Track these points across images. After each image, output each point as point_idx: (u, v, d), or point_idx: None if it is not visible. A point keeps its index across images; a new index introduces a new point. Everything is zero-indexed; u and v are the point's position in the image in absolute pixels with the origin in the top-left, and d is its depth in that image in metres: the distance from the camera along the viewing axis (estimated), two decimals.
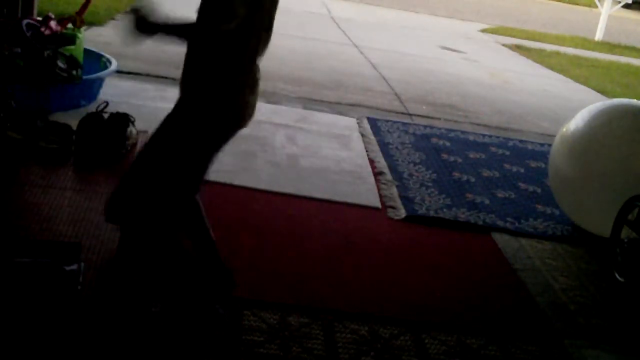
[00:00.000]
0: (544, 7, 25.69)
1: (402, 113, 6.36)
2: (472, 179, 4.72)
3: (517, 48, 12.39)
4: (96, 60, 5.23)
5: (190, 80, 2.26)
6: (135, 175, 2.23)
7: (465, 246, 3.78)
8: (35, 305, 1.71)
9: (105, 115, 2.95)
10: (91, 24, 7.24)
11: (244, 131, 2.37)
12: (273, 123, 5.18)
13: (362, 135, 5.34)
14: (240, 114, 2.30)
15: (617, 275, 3.53)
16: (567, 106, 7.51)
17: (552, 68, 10.66)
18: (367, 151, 4.97)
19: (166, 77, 5.80)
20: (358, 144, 5.11)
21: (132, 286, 2.68)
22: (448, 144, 5.47)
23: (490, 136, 5.93)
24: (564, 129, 4.20)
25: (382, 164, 4.74)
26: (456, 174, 4.77)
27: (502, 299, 3.28)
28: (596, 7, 18.40)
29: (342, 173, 4.48)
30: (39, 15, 5.20)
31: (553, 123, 6.62)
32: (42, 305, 1.72)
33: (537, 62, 11.11)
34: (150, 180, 2.21)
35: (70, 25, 5.00)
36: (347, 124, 5.62)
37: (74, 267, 1.81)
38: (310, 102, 6.13)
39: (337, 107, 6.14)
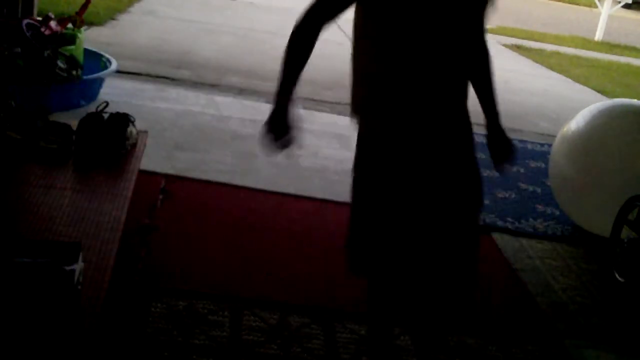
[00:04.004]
0: (544, 7, 25.68)
1: None
2: None
3: (517, 48, 12.38)
4: (96, 60, 5.23)
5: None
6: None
7: None
8: (34, 305, 1.71)
9: (105, 115, 2.94)
10: (91, 24, 7.24)
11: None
12: None
13: None
14: None
15: (617, 275, 3.52)
16: (567, 106, 7.50)
17: (552, 68, 10.66)
18: None
19: (166, 77, 5.79)
20: None
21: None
22: None
23: None
24: (564, 129, 4.20)
25: None
26: None
27: (502, 299, 3.28)
28: (596, 7, 18.39)
29: (342, 173, 4.47)
30: (39, 15, 5.20)
31: (553, 123, 6.62)
32: (41, 306, 1.71)
33: (537, 62, 11.11)
34: None
35: (70, 25, 5.00)
36: (347, 123, 5.60)
37: (74, 267, 1.80)
38: (310, 102, 6.12)
39: (337, 107, 6.13)
